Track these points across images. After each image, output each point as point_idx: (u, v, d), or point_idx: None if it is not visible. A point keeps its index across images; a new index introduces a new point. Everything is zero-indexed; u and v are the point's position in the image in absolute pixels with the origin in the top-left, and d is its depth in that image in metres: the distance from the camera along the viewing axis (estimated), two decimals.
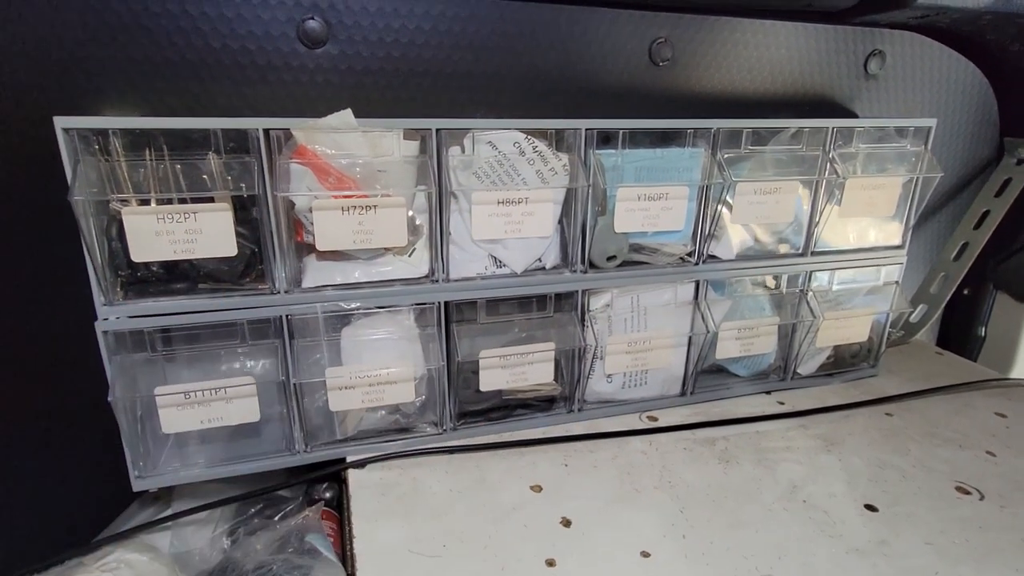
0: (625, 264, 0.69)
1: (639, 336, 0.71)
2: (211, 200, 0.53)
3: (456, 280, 0.63)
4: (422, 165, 0.59)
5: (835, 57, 0.81)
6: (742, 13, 0.75)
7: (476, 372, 0.65)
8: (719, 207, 0.69)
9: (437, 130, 0.58)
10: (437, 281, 0.63)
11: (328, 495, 0.68)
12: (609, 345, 0.70)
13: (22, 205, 0.56)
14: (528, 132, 0.61)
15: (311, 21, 0.61)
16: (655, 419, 0.73)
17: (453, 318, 0.65)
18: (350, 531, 0.55)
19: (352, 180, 0.56)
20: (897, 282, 0.81)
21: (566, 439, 0.68)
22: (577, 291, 0.68)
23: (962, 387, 0.82)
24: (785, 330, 0.78)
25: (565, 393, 0.72)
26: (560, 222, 0.66)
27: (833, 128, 0.71)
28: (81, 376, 0.59)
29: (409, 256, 0.62)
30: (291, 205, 0.57)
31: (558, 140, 0.64)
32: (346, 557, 0.55)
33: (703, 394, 0.78)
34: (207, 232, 0.53)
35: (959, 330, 1.02)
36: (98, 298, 0.54)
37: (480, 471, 0.63)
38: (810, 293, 0.77)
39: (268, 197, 0.55)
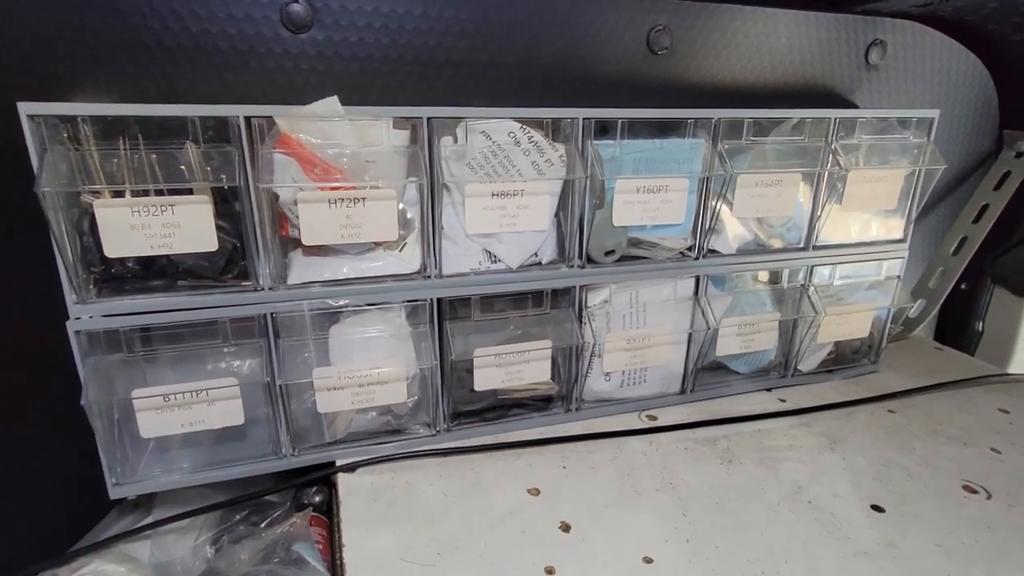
0: (623, 259, 0.67)
1: (638, 333, 0.69)
2: (189, 192, 0.51)
3: (449, 276, 0.61)
4: (413, 155, 0.56)
5: (836, 46, 0.80)
6: (741, 1, 0.73)
7: (470, 371, 0.63)
8: (719, 201, 0.67)
9: (428, 119, 0.56)
10: (429, 277, 0.60)
11: (317, 499, 0.66)
12: (607, 342, 0.68)
13: None
14: (523, 121, 0.59)
15: (295, 4, 0.59)
16: (655, 418, 0.72)
17: (446, 315, 0.62)
18: (340, 539, 0.52)
19: (339, 171, 0.54)
20: (899, 277, 0.80)
21: (564, 440, 0.66)
22: (574, 287, 0.65)
23: (964, 383, 0.81)
24: (786, 326, 0.76)
25: (562, 392, 0.70)
26: (557, 215, 0.64)
27: (836, 119, 0.69)
28: (54, 378, 0.56)
29: (400, 251, 0.60)
30: (275, 197, 0.55)
31: (554, 130, 0.61)
32: (335, 566, 0.53)
33: (703, 392, 0.76)
34: (185, 226, 0.51)
35: (957, 325, 1.01)
36: (69, 296, 0.51)
37: (475, 474, 0.61)
38: (811, 288, 0.76)
39: (250, 189, 0.52)
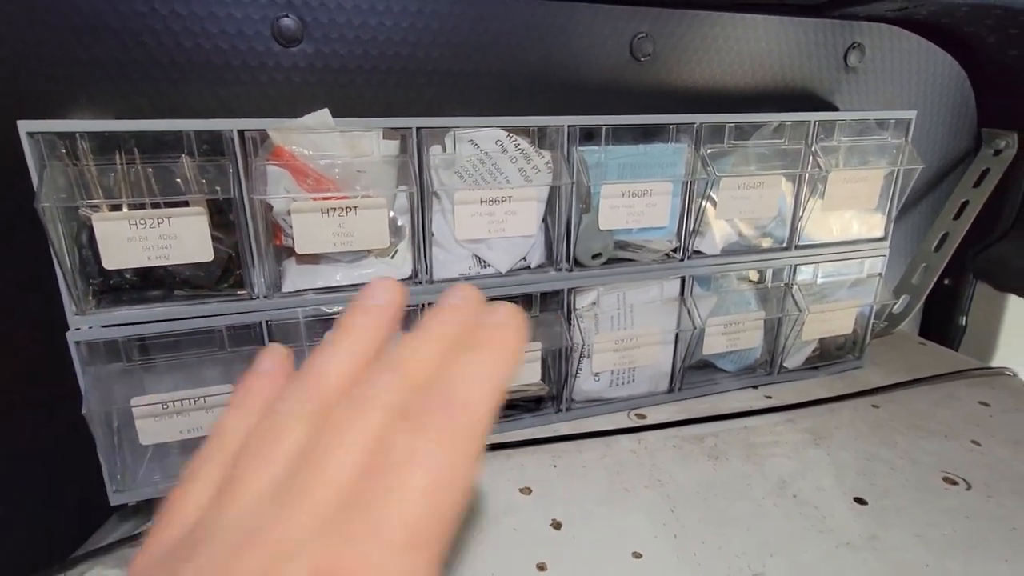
0: (610, 262, 0.68)
1: (626, 334, 0.71)
2: (185, 204, 0.52)
3: (440, 281, 0.62)
4: (403, 165, 0.58)
5: (815, 50, 0.81)
6: (722, 7, 0.75)
7: None
8: (703, 202, 0.68)
9: (417, 129, 0.57)
10: (421, 283, 0.61)
11: None
12: (596, 343, 0.69)
13: None
14: (510, 129, 0.60)
15: (286, 19, 0.60)
16: (643, 417, 0.73)
17: None
18: None
19: (331, 181, 0.55)
20: (880, 274, 0.82)
21: (554, 439, 0.68)
22: (563, 290, 0.67)
23: (946, 377, 0.83)
24: (771, 324, 0.78)
25: (552, 393, 0.71)
26: (544, 220, 0.66)
27: (815, 121, 0.71)
28: (54, 388, 0.57)
29: (391, 258, 0.61)
30: (269, 208, 0.56)
31: (540, 137, 0.63)
32: None
33: (691, 390, 0.77)
34: (182, 237, 0.52)
35: (940, 320, 1.03)
36: (69, 308, 0.52)
37: None
38: (795, 287, 0.77)
39: (245, 200, 0.54)
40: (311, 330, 0.60)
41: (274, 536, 0.21)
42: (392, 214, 0.59)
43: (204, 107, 0.60)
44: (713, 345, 0.75)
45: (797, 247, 0.76)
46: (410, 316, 0.62)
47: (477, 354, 0.27)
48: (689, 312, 0.72)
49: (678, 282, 0.72)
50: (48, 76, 0.55)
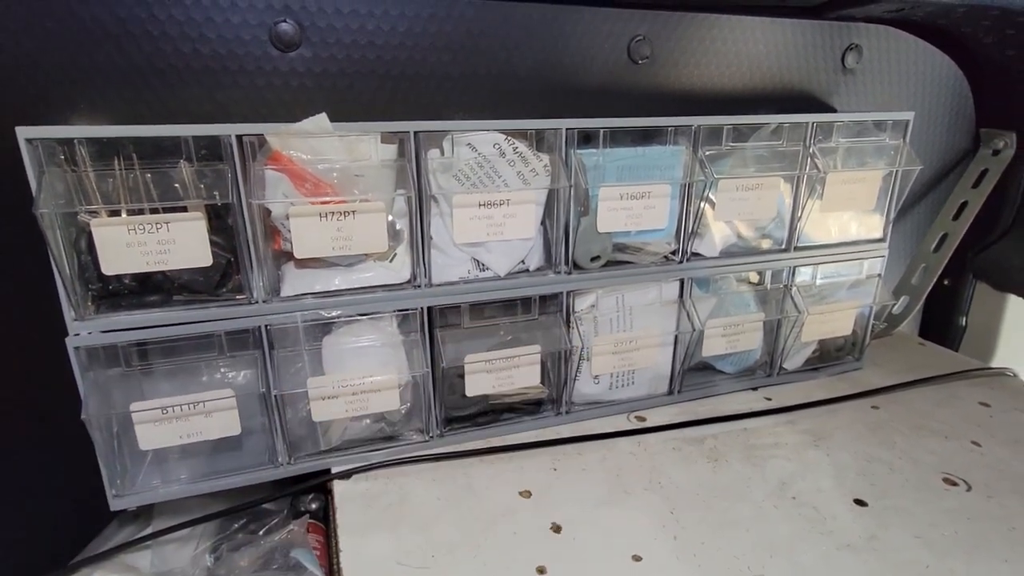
0: (609, 264, 0.68)
1: (625, 336, 0.71)
2: (184, 209, 0.52)
3: (439, 284, 0.62)
4: (401, 169, 0.58)
5: (812, 52, 0.81)
6: (719, 9, 0.75)
7: (462, 377, 0.65)
8: (701, 204, 0.68)
9: (415, 133, 0.57)
10: (419, 286, 0.61)
11: (314, 506, 0.67)
12: (595, 346, 0.69)
13: None
14: (508, 133, 0.60)
15: (283, 24, 0.60)
16: (643, 419, 0.73)
17: (437, 323, 0.64)
18: (336, 545, 0.54)
19: (329, 185, 0.55)
20: (879, 275, 0.82)
21: (554, 442, 0.67)
22: (562, 292, 0.67)
23: (946, 377, 0.83)
24: (770, 326, 0.78)
25: (552, 396, 0.71)
26: (543, 223, 0.66)
27: (813, 123, 0.71)
28: (54, 393, 0.57)
29: (390, 262, 0.61)
30: (267, 212, 0.56)
31: (538, 140, 0.63)
32: (333, 572, 0.54)
33: (690, 392, 0.77)
34: (180, 242, 0.52)
35: (940, 320, 1.03)
36: (68, 313, 0.52)
37: (468, 478, 0.62)
38: (794, 288, 0.77)
39: (243, 205, 0.54)
40: (310, 334, 0.60)
41: None
42: (390, 218, 0.60)
43: (202, 112, 0.60)
44: (712, 347, 0.75)
45: (796, 248, 0.76)
46: (408, 320, 0.62)
47: None
48: (688, 314, 0.72)
49: (677, 284, 0.72)
50: (46, 82, 0.55)
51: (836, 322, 0.80)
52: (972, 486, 0.62)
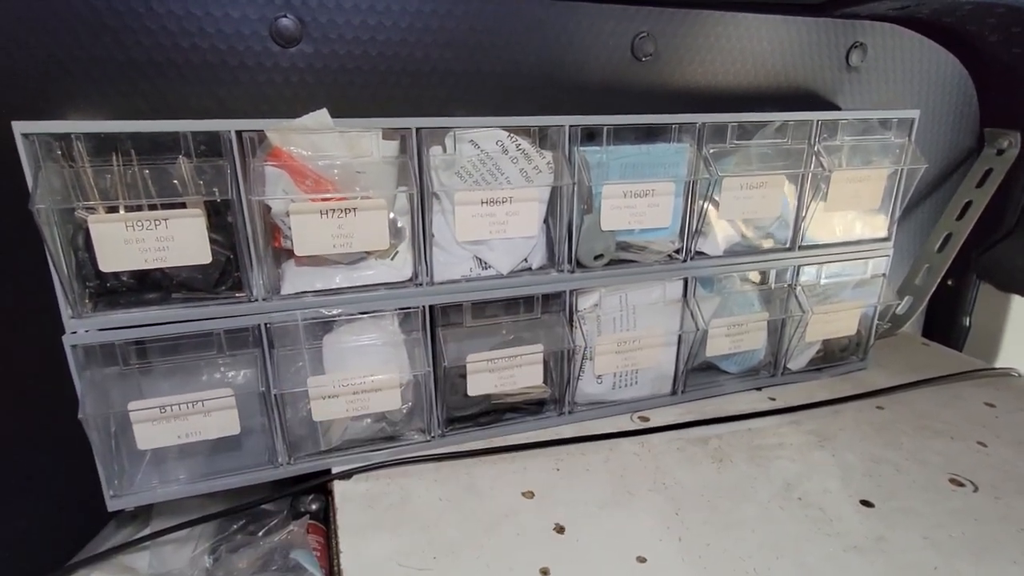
0: (613, 263, 0.68)
1: (628, 335, 0.70)
2: (183, 206, 0.51)
3: (441, 283, 0.62)
4: (403, 165, 0.57)
5: (817, 50, 0.81)
6: (723, 6, 0.74)
7: (464, 376, 0.64)
8: (705, 203, 0.68)
9: (417, 129, 0.56)
10: (421, 284, 0.61)
11: (314, 507, 0.66)
12: (598, 345, 0.69)
13: None
14: (511, 130, 0.60)
15: (284, 19, 0.59)
16: (647, 419, 0.72)
17: (439, 322, 0.63)
18: (337, 546, 0.53)
19: (330, 182, 0.55)
20: (884, 274, 0.81)
21: (557, 442, 0.67)
22: (565, 291, 0.66)
23: (950, 378, 0.82)
24: (775, 325, 0.78)
25: (555, 395, 0.70)
26: (546, 221, 0.65)
27: (818, 121, 0.70)
28: (51, 392, 0.57)
29: (392, 259, 0.60)
30: (267, 209, 0.55)
31: (542, 138, 0.62)
32: (333, 573, 0.54)
33: (694, 392, 0.77)
34: (179, 239, 0.51)
35: (944, 321, 1.02)
36: (65, 311, 0.51)
37: (470, 478, 0.61)
38: (798, 288, 0.77)
39: (243, 201, 0.53)
40: (310, 333, 0.60)
41: None
42: (392, 215, 0.59)
43: (201, 108, 0.60)
44: (716, 347, 0.75)
45: (800, 248, 0.75)
46: (410, 319, 0.62)
47: None
48: (692, 314, 0.72)
49: (681, 283, 0.72)
50: (44, 76, 0.54)
51: (840, 322, 0.79)
52: (979, 487, 0.61)
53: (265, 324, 0.57)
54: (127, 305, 0.54)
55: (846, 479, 0.62)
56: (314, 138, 0.54)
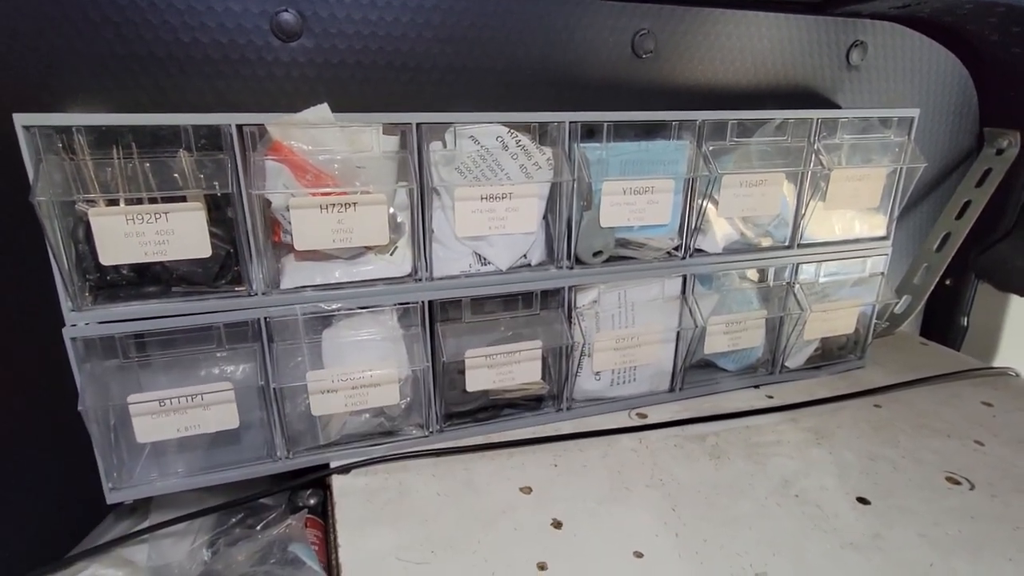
0: (611, 259, 0.68)
1: (627, 332, 0.70)
2: (183, 199, 0.51)
3: (440, 278, 0.62)
4: (403, 161, 0.57)
5: (817, 48, 0.81)
6: (723, 4, 0.74)
7: (462, 372, 0.64)
8: (705, 201, 0.68)
9: (418, 124, 0.56)
10: (420, 280, 0.61)
11: (312, 501, 0.66)
12: (597, 342, 0.69)
13: None
14: (511, 126, 0.60)
15: (285, 13, 0.59)
16: (644, 416, 0.73)
17: (437, 317, 0.63)
18: (335, 540, 0.53)
19: (330, 177, 0.55)
20: (883, 273, 0.81)
21: (555, 439, 0.67)
22: (563, 288, 0.66)
23: (948, 377, 0.82)
24: (773, 323, 0.78)
25: (553, 392, 0.71)
26: (545, 217, 0.65)
27: (818, 119, 0.71)
28: (50, 384, 0.57)
29: (391, 255, 0.60)
30: (267, 203, 0.55)
31: (541, 134, 0.62)
32: (331, 567, 0.54)
33: (692, 389, 0.77)
34: (179, 233, 0.51)
35: (942, 320, 1.02)
36: (65, 303, 0.51)
37: (468, 473, 0.62)
38: (797, 286, 0.77)
39: (243, 195, 0.53)
40: (309, 327, 0.60)
41: None
42: (392, 210, 0.59)
43: (202, 101, 0.60)
44: (714, 344, 0.75)
45: (799, 246, 0.75)
46: (409, 314, 0.62)
47: None
48: (691, 311, 0.72)
49: (679, 280, 0.72)
50: (45, 69, 0.54)
51: (839, 320, 0.80)
52: (975, 485, 0.61)
53: (264, 318, 0.57)
54: (127, 298, 0.54)
55: (843, 476, 0.62)
56: (314, 132, 0.54)
